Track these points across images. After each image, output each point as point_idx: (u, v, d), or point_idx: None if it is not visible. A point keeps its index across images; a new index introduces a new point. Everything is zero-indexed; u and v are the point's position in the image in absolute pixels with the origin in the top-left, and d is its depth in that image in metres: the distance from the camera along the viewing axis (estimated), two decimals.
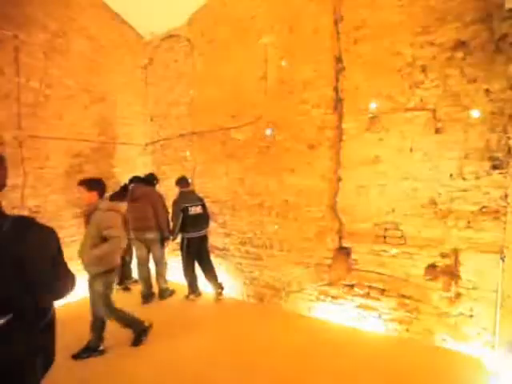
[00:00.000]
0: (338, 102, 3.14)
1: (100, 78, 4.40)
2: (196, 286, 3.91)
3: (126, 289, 4.31)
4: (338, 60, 3.14)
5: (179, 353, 2.73)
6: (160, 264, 4.07)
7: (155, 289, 4.01)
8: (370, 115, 2.90)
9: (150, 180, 4.12)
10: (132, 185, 3.99)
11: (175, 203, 3.75)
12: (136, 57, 4.92)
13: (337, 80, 3.13)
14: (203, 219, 3.85)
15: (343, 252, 3.13)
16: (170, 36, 4.73)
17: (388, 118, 2.82)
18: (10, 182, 1.20)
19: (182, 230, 3.73)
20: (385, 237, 2.85)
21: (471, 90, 2.44)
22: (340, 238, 3.15)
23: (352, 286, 3.05)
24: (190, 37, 4.43)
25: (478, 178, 2.43)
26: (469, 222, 2.48)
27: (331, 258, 3.18)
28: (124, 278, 4.33)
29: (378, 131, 2.86)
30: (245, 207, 3.86)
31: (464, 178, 2.48)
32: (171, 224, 3.81)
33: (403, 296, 2.76)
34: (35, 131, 3.67)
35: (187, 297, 3.90)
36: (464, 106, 2.48)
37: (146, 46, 4.99)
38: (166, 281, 4.07)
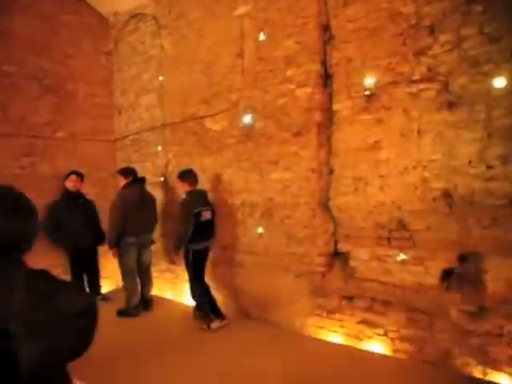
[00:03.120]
0: (326, 79, 2.61)
1: (53, 65, 3.80)
2: (217, 307, 3.13)
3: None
4: (326, 28, 2.61)
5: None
6: (149, 270, 3.62)
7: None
8: (367, 92, 2.38)
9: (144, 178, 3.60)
10: (129, 179, 3.38)
11: (185, 206, 3.01)
12: (98, 41, 4.32)
13: (325, 53, 2.61)
14: (211, 227, 3.19)
15: (339, 258, 2.63)
16: (135, 15, 4.14)
17: (388, 94, 2.30)
18: None
19: (190, 240, 3.02)
20: (389, 239, 2.35)
21: (494, 53, 1.94)
22: (335, 242, 2.64)
23: (351, 299, 2.55)
24: (157, 14, 3.85)
25: (505, 163, 1.93)
26: (494, 219, 1.99)
27: (325, 264, 2.67)
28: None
29: (377, 111, 2.35)
30: (225, 207, 3.33)
31: (488, 165, 1.98)
32: (178, 230, 3.05)
33: (414, 310, 2.27)
34: None
35: (208, 326, 3.01)
36: (485, 74, 1.98)
37: (110, 29, 4.39)
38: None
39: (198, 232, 3.03)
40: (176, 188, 3.60)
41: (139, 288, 3.48)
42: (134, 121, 4.22)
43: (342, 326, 2.60)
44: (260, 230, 3.05)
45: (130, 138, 4.29)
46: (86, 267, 3.66)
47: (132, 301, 3.38)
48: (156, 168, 3.98)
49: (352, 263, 2.52)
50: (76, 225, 3.40)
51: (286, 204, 2.86)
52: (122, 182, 3.33)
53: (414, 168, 2.23)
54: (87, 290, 3.75)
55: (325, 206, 2.66)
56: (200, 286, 3.14)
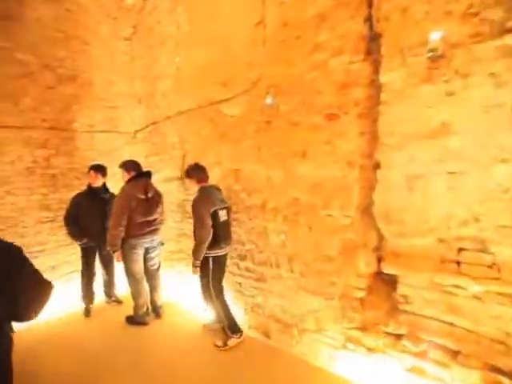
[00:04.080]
0: (371, 42, 1.94)
1: (68, 52, 3.60)
2: (235, 322, 2.71)
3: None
4: None
5: None
6: (158, 275, 3.28)
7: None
8: (430, 54, 1.67)
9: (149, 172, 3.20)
10: (132, 173, 3.01)
11: (199, 206, 2.56)
12: (116, 25, 4.05)
13: (369, 4, 1.93)
14: (229, 228, 2.74)
15: (385, 281, 1.98)
16: None
17: (465, 53, 1.57)
18: None
19: (209, 245, 2.57)
20: (459, 263, 1.65)
21: None
22: (379, 260, 2.00)
23: (399, 337, 1.90)
24: None
25: None
26: None
27: (365, 288, 2.04)
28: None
29: (447, 80, 1.63)
30: (243, 209, 2.83)
31: None
32: (199, 235, 2.55)
33: (495, 369, 1.56)
34: None
35: (224, 343, 2.63)
36: None
37: (129, 11, 4.08)
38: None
39: (217, 235, 2.58)
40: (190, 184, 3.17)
41: (147, 294, 3.16)
42: (152, 110, 3.90)
43: (384, 371, 1.97)
44: (283, 237, 2.50)
45: (149, 128, 3.97)
46: (103, 267, 3.46)
47: (139, 308, 3.07)
48: (173, 161, 3.62)
49: (402, 290, 1.86)
50: (91, 222, 3.17)
51: (315, 207, 2.26)
52: (126, 176, 2.99)
53: (504, 161, 1.50)
54: (103, 290, 3.55)
55: (366, 211, 2.02)
56: (219, 297, 2.70)
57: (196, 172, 2.72)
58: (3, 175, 3.13)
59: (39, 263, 3.34)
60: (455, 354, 1.67)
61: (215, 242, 2.59)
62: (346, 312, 2.14)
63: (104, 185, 3.32)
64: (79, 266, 3.31)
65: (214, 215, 2.57)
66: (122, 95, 4.10)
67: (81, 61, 3.68)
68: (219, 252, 2.66)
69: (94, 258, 3.36)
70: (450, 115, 1.63)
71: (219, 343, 2.63)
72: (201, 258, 2.58)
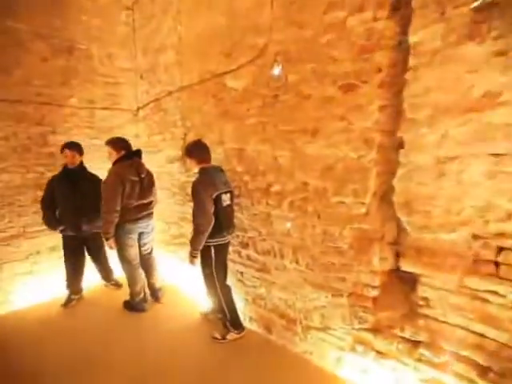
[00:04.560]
0: None
1: (64, 22, 3.34)
2: (237, 317, 2.55)
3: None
4: None
5: None
6: (152, 258, 3.14)
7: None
8: (478, 2, 1.32)
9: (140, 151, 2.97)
10: (122, 152, 2.78)
11: (200, 189, 2.29)
12: None
13: None
14: (232, 215, 2.53)
15: (403, 280, 1.72)
16: None
17: None
18: None
19: (210, 232, 2.34)
20: (498, 264, 1.36)
21: None
22: (397, 255, 1.73)
23: (417, 344, 1.65)
24: None
25: None
26: None
27: (379, 286, 1.79)
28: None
29: (497, 36, 1.29)
30: (246, 193, 2.59)
31: None
32: (198, 224, 2.32)
33: None
34: None
35: (223, 336, 2.47)
36: None
37: None
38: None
39: (220, 222, 2.36)
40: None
41: (144, 280, 3.02)
42: (154, 85, 3.64)
43: (396, 379, 1.74)
44: (288, 225, 2.26)
45: (150, 105, 3.73)
46: (92, 256, 3.26)
47: (136, 295, 2.95)
48: (175, 140, 3.38)
49: (423, 292, 1.60)
50: (68, 208, 2.90)
51: (325, 193, 1.99)
52: (114, 155, 2.76)
53: None
54: (100, 276, 3.40)
55: (384, 199, 1.74)
56: (224, 289, 2.52)
57: (197, 150, 2.47)
58: None
59: (38, 244, 3.29)
60: (484, 370, 1.41)
61: (217, 230, 2.38)
62: (356, 311, 1.91)
63: (81, 165, 3.02)
64: None
65: (217, 200, 2.34)
66: (123, 70, 3.85)
67: (78, 31, 3.43)
68: (221, 240, 2.46)
69: (77, 247, 3.09)
70: (498, 82, 1.30)
71: (217, 336, 2.48)
72: (200, 248, 2.38)
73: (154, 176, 3.02)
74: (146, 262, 3.08)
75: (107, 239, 2.72)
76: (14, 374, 2.18)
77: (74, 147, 2.92)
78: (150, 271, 3.12)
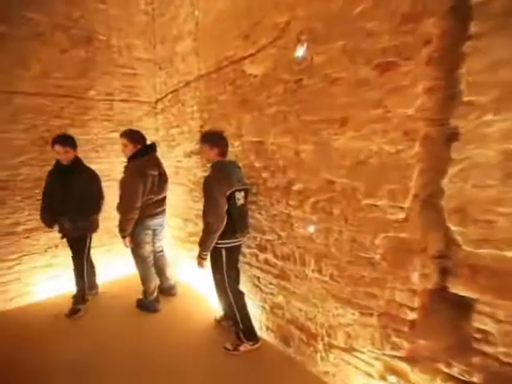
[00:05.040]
0: None
1: (83, 12, 3.26)
2: (252, 327, 2.32)
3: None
4: None
5: None
6: (165, 254, 3.10)
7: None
8: None
9: (155, 144, 2.85)
10: (138, 146, 2.65)
11: (212, 184, 2.11)
12: None
13: None
14: (247, 214, 2.32)
15: (451, 304, 1.40)
16: None
17: None
18: None
19: (222, 233, 2.15)
20: None
21: None
22: (444, 272, 1.41)
23: None
24: None
25: None
26: None
27: (418, 308, 1.48)
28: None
29: None
30: (264, 191, 2.35)
31: None
32: (209, 222, 2.13)
33: None
34: None
35: (235, 348, 2.26)
36: None
37: None
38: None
39: (233, 222, 2.16)
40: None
41: (156, 279, 2.92)
42: (172, 75, 3.48)
43: None
44: (311, 229, 1.99)
45: (169, 97, 3.58)
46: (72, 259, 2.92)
47: (150, 294, 2.85)
48: (192, 134, 3.21)
49: (480, 323, 1.27)
50: (59, 207, 2.66)
51: (355, 193, 1.70)
52: (129, 148, 2.63)
53: None
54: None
55: (429, 203, 1.42)
56: (235, 294, 2.32)
57: (218, 140, 2.26)
58: (19, 144, 2.98)
59: (56, 238, 3.26)
60: None
61: (230, 231, 2.18)
62: (389, 334, 1.61)
63: (75, 160, 2.71)
64: (94, 242, 3.10)
65: (230, 198, 2.14)
66: (141, 60, 3.73)
67: (97, 21, 3.34)
68: (234, 242, 2.26)
69: (70, 247, 2.85)
70: None
71: (229, 346, 2.28)
72: (209, 250, 2.19)
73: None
74: (160, 260, 3.01)
75: (123, 237, 2.64)
76: (32, 365, 2.14)
77: (66, 142, 2.63)
78: (165, 268, 3.06)
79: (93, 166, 2.91)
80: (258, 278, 2.49)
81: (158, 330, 2.61)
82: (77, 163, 2.75)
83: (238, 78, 2.46)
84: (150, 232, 2.77)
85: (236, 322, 2.30)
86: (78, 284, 2.89)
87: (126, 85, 3.65)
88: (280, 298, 2.30)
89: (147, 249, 2.79)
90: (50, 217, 2.72)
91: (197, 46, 2.95)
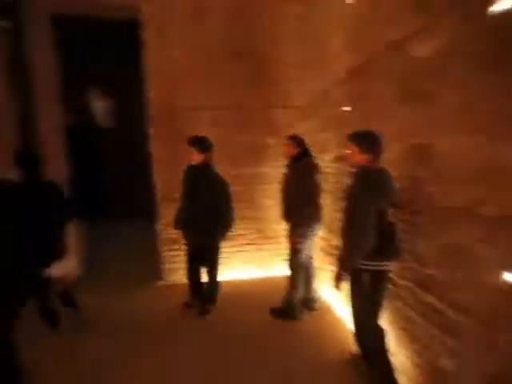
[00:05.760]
0: None
1: (242, 28, 3.61)
2: (392, 375, 1.86)
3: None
4: None
5: None
6: (313, 264, 3.00)
7: None
8: None
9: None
10: (298, 149, 2.77)
11: (362, 194, 1.76)
12: None
13: None
14: (397, 234, 1.86)
15: None
16: None
17: None
18: None
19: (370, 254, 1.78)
20: None
21: None
22: None
23: None
24: None
25: None
26: None
27: None
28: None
29: None
30: (429, 210, 1.75)
31: None
32: (353, 240, 1.80)
33: None
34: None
35: None
36: None
37: None
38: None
39: (383, 241, 1.78)
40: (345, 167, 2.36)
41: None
42: (322, 76, 3.28)
43: None
44: (504, 275, 1.28)
45: (318, 99, 3.42)
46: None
47: (294, 298, 2.81)
48: (339, 138, 2.90)
49: None
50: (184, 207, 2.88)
51: None
52: (291, 150, 2.74)
53: None
54: None
55: None
56: (377, 332, 1.90)
57: (371, 142, 1.87)
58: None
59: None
60: None
61: (379, 251, 1.78)
62: None
63: (204, 164, 2.73)
64: None
65: (382, 213, 1.75)
66: (296, 66, 3.74)
67: (256, 35, 3.62)
68: (382, 266, 1.82)
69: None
70: None
71: None
72: (349, 270, 1.84)
73: None
74: (310, 268, 2.90)
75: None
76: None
77: (193, 143, 2.68)
78: (312, 278, 2.93)
79: None
80: (413, 321, 1.90)
81: (293, 341, 2.49)
82: (205, 168, 2.84)
83: (397, 64, 1.95)
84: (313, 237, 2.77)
85: (374, 362, 1.85)
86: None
87: (281, 90, 3.77)
88: (445, 362, 1.65)
89: (305, 253, 2.75)
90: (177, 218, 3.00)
91: (348, 38, 2.61)
